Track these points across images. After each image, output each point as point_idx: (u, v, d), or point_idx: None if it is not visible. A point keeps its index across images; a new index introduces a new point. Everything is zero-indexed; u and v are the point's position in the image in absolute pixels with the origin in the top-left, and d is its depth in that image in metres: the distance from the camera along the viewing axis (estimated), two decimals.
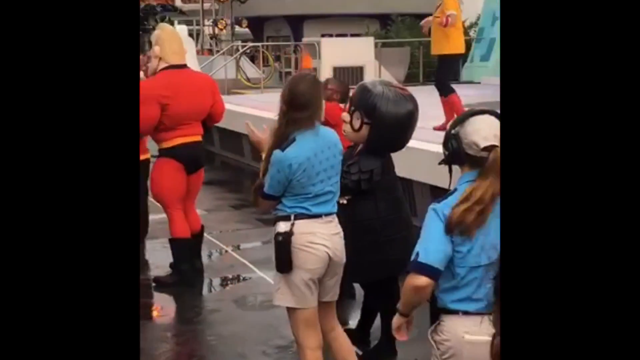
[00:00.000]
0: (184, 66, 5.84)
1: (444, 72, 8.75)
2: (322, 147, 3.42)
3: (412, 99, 4.14)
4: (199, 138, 5.84)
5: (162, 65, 5.68)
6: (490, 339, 1.92)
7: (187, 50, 6.49)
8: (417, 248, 2.56)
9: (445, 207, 2.53)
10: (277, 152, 3.34)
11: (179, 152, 5.68)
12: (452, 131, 2.61)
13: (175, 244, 5.83)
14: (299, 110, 3.36)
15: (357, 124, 4.02)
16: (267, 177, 3.41)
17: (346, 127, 4.09)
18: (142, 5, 31.27)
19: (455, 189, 2.60)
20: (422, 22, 9.01)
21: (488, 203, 2.47)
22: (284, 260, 3.43)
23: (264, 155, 3.53)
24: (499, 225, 1.97)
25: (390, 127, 4.00)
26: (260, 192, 3.47)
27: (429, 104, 7.28)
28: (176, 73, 5.67)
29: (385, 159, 4.14)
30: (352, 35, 19.28)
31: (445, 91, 8.36)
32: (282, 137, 3.38)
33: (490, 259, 2.41)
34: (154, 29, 24.87)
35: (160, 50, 5.67)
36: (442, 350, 2.59)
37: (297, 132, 3.37)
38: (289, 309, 3.57)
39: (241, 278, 6.25)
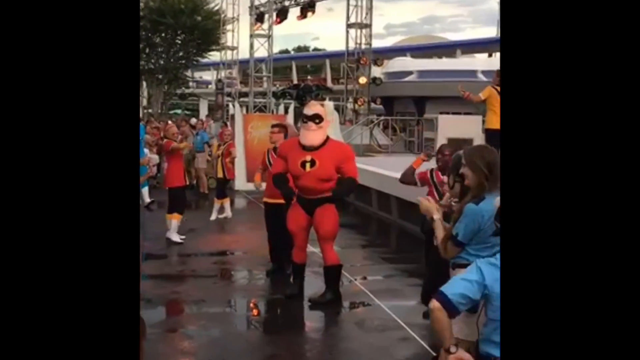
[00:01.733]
0: None
1: None
2: None
3: None
4: None
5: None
6: None
7: (333, 120, 6.66)
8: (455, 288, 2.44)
9: (486, 265, 2.38)
10: (472, 206, 3.26)
11: (299, 199, 5.99)
12: None
13: (338, 268, 6.06)
14: (494, 174, 3.19)
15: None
16: (460, 227, 3.30)
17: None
18: (301, 84, 32.33)
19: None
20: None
21: None
22: None
23: (435, 217, 3.48)
24: None
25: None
26: (454, 240, 3.35)
27: None
28: None
29: None
30: (465, 113, 18.97)
31: None
32: (480, 197, 3.26)
33: None
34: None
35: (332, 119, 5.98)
36: None
37: (495, 192, 3.17)
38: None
39: (365, 304, 6.16)
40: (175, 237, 8.55)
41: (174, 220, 8.55)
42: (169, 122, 14.06)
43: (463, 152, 3.46)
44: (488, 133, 8.81)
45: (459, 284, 2.39)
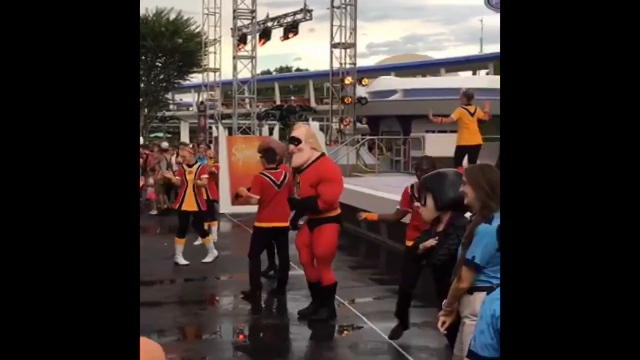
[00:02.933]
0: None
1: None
2: None
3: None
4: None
5: (317, 154, 6.07)
6: None
7: (319, 141, 6.71)
8: (472, 335, 2.45)
9: (492, 301, 2.34)
10: (485, 226, 3.11)
11: (339, 219, 6.16)
12: None
13: (332, 288, 6.17)
14: (495, 192, 3.10)
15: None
16: (477, 250, 3.11)
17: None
18: (285, 105, 32.44)
19: None
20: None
21: None
22: None
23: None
24: None
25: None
26: (472, 264, 3.14)
27: None
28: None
29: None
30: (451, 131, 19.11)
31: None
32: (489, 217, 3.14)
33: None
34: (294, 124, 25.38)
35: (313, 141, 6.11)
36: None
37: (497, 210, 3.10)
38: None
39: (355, 327, 6.11)
40: (180, 260, 8.78)
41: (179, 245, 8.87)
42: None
43: (465, 170, 3.44)
44: (459, 149, 9.86)
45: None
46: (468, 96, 10.00)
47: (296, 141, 6.02)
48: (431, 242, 3.90)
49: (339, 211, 6.05)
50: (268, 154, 6.96)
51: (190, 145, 11.40)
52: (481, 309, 2.33)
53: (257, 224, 6.96)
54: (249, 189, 6.82)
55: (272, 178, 6.84)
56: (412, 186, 5.47)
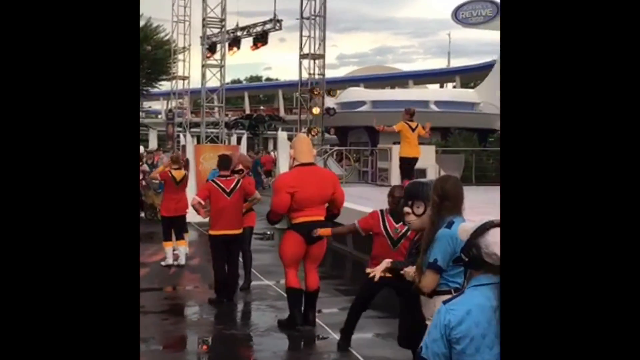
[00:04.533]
0: (311, 164, 6.23)
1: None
2: None
3: None
4: (319, 218, 6.07)
5: (295, 163, 6.17)
6: None
7: (289, 151, 6.75)
8: (423, 341, 2.36)
9: (447, 311, 2.27)
10: (444, 230, 3.31)
11: (299, 227, 5.99)
12: (474, 240, 2.34)
13: (289, 292, 6.16)
14: (448, 200, 3.38)
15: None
16: (437, 252, 3.31)
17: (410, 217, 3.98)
18: (254, 114, 32.35)
19: (463, 291, 2.36)
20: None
21: None
22: None
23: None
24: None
25: None
26: (434, 266, 3.31)
27: (474, 199, 7.21)
28: (304, 169, 6.06)
29: None
30: (419, 144, 19.34)
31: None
32: (439, 222, 3.36)
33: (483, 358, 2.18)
34: (262, 133, 25.19)
35: (294, 152, 6.19)
36: None
37: (449, 217, 3.35)
38: None
39: (320, 337, 6.09)
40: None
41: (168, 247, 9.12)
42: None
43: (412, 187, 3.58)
44: (402, 160, 10.98)
45: (433, 343, 2.28)
46: (410, 113, 11.07)
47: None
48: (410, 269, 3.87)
49: (298, 220, 6.02)
50: (220, 161, 7.12)
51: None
52: (435, 317, 2.33)
53: (210, 232, 7.04)
54: None
55: (222, 186, 6.94)
56: (381, 211, 5.38)
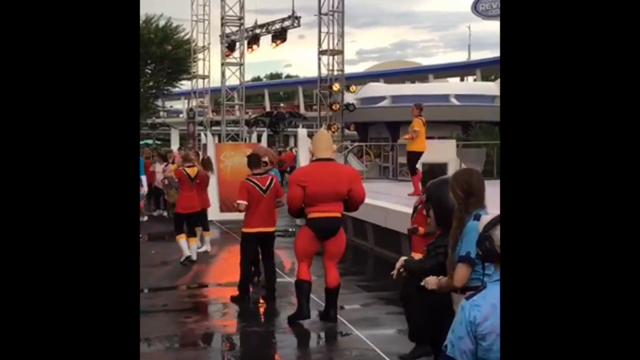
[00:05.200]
0: (329, 159, 6.24)
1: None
2: None
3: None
4: (334, 214, 6.10)
5: (313, 158, 6.30)
6: None
7: (308, 147, 6.80)
8: (448, 339, 2.31)
9: (472, 307, 2.24)
10: (474, 222, 3.18)
11: (312, 223, 6.05)
12: (486, 233, 2.37)
13: (297, 283, 6.26)
14: (473, 196, 3.33)
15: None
16: (469, 245, 3.15)
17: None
18: (274, 112, 32.39)
19: (486, 286, 2.34)
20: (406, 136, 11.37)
21: None
22: None
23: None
24: None
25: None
26: (467, 259, 3.23)
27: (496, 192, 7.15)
28: (319, 164, 6.13)
29: None
30: (439, 137, 19.18)
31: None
32: (466, 217, 3.30)
33: None
34: (283, 131, 25.18)
35: (312, 147, 6.36)
36: None
37: (475, 210, 3.29)
38: None
39: (342, 334, 6.09)
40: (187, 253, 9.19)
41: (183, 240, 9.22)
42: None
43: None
44: (410, 154, 11.27)
45: (459, 341, 2.25)
46: (420, 108, 11.22)
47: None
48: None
49: (311, 215, 6.09)
50: (252, 160, 7.09)
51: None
52: (460, 313, 2.30)
53: (244, 230, 7.01)
54: None
55: (258, 183, 6.90)
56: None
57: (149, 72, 32.04)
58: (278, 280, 7.37)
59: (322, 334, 6.06)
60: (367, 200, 7.05)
